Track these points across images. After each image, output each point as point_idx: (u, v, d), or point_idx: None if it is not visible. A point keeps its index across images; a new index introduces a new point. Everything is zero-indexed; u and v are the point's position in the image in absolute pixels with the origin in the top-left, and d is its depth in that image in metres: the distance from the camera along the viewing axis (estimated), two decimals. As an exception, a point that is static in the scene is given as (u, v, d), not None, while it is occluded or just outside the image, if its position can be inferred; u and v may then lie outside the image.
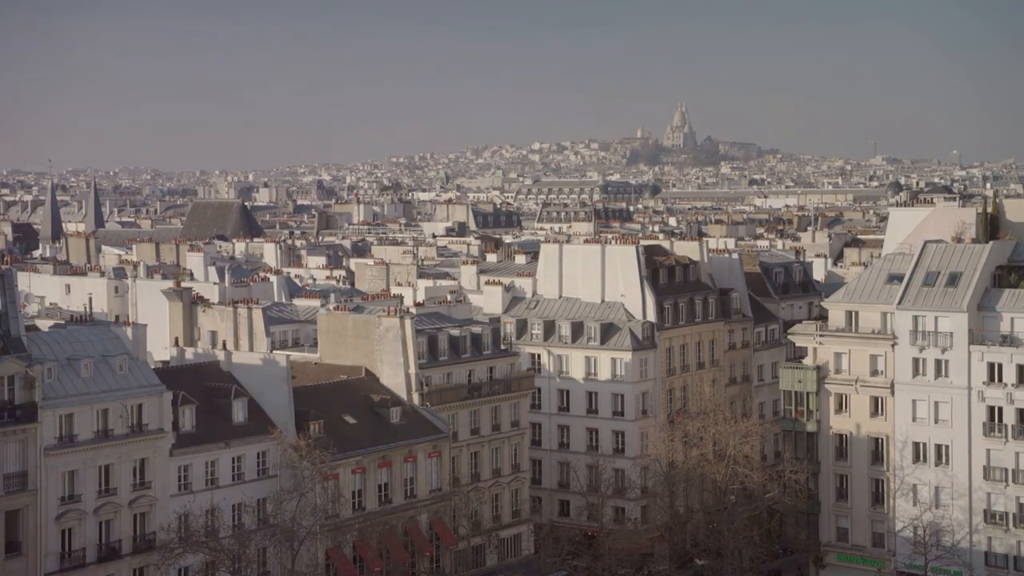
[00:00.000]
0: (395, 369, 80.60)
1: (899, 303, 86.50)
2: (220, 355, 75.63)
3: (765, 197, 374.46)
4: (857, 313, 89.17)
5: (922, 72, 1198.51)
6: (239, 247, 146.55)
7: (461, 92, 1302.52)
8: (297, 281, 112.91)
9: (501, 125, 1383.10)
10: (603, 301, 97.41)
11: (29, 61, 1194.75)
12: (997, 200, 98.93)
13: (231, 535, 68.24)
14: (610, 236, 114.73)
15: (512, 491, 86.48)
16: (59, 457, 62.83)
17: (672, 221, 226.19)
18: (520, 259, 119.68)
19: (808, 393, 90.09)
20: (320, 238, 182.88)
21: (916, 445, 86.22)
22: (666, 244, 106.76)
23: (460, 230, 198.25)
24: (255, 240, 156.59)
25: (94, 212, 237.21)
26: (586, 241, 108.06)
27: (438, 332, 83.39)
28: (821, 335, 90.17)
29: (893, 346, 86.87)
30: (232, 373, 73.86)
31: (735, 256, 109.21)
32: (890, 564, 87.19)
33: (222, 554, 67.17)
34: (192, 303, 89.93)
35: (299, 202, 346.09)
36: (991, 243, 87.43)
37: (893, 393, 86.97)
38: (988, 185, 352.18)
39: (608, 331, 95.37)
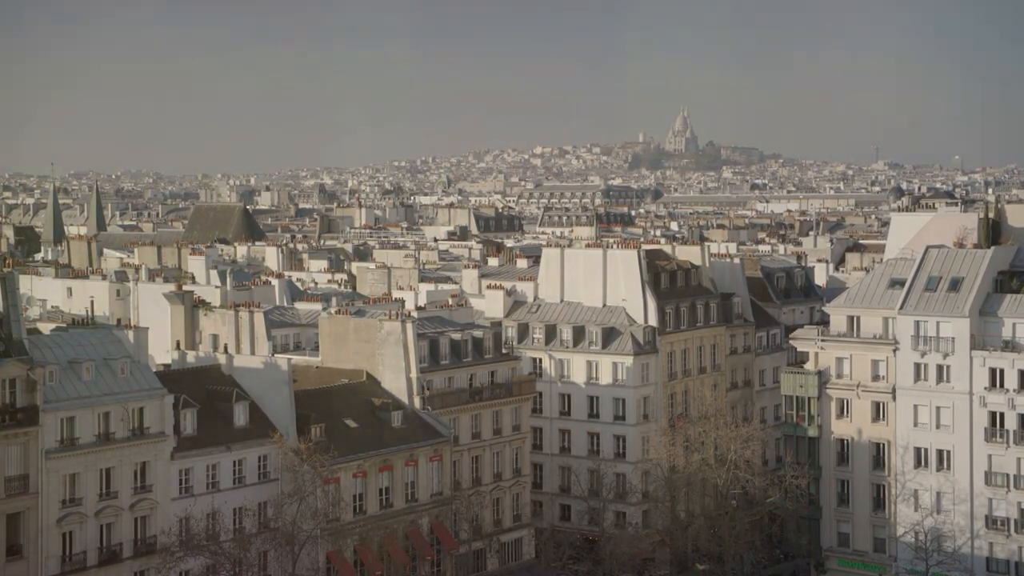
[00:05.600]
0: (396, 373, 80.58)
1: (901, 308, 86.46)
2: (221, 358, 75.64)
3: (767, 202, 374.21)
4: (858, 318, 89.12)
5: (924, 77, 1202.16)
6: (241, 250, 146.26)
7: (463, 95, 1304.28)
8: (299, 284, 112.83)
9: (503, 129, 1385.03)
10: (605, 305, 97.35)
11: (31, 63, 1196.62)
12: (999, 205, 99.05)
13: (232, 539, 68.27)
14: (612, 240, 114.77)
15: (513, 495, 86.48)
16: (60, 460, 62.81)
17: (674, 225, 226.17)
18: (522, 263, 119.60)
19: (809, 398, 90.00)
20: (322, 242, 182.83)
21: (917, 450, 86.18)
22: (668, 248, 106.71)
23: (462, 234, 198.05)
24: (257, 243, 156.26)
25: (96, 215, 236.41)
26: (588, 245, 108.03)
27: (439, 336, 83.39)
28: (822, 340, 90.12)
29: (895, 351, 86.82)
30: (233, 376, 73.86)
31: (737, 261, 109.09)
32: (891, 569, 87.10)
33: (223, 558, 67.16)
34: (194, 306, 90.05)
35: (301, 206, 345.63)
36: (993, 248, 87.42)
37: (894, 398, 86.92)
38: (990, 190, 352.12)
39: (609, 335, 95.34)
